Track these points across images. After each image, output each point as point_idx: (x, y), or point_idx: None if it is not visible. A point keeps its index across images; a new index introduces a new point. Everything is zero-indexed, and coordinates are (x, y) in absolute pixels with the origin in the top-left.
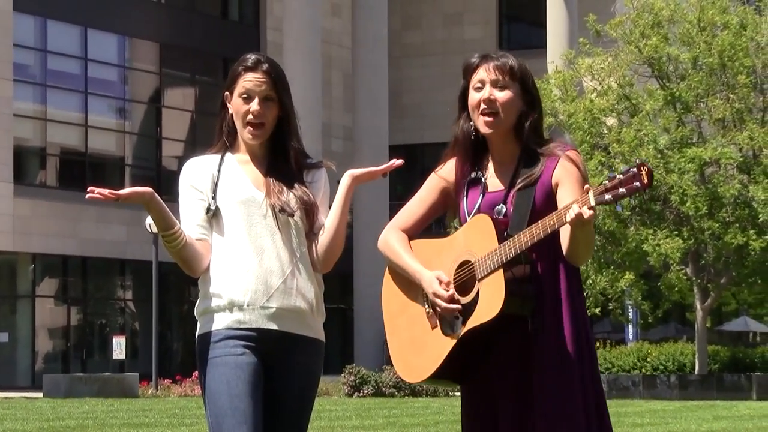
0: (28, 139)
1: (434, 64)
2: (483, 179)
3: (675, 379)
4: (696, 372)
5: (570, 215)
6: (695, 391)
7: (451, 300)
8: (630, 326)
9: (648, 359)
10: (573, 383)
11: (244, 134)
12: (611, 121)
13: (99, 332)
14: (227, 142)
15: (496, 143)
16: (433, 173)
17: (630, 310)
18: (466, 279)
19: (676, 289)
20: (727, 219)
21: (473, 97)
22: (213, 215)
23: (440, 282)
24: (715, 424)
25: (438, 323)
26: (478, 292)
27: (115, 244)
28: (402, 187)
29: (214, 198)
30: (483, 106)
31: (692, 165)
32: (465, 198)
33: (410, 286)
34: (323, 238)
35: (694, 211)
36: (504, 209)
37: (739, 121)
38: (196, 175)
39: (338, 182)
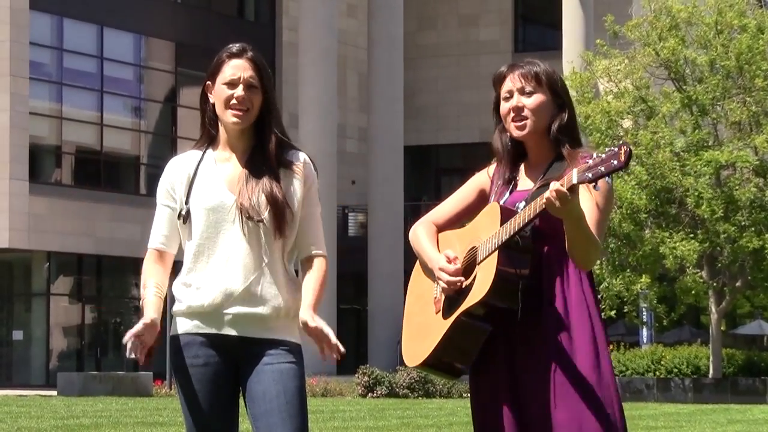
0: (43, 137)
1: (450, 65)
2: (515, 180)
3: (689, 382)
4: (710, 375)
5: (550, 193)
6: (710, 394)
7: (456, 274)
8: (644, 329)
9: (662, 362)
10: (584, 381)
11: (228, 117)
12: (627, 123)
13: (113, 331)
14: (209, 136)
15: (531, 146)
16: (481, 171)
17: (644, 313)
18: (470, 263)
19: (693, 292)
20: (743, 222)
21: (503, 106)
22: (185, 220)
23: (447, 258)
24: (730, 427)
25: (441, 307)
26: (476, 275)
27: (129, 243)
28: (416, 188)
29: (186, 202)
30: (512, 114)
31: (708, 168)
32: (494, 197)
33: (430, 275)
34: (308, 276)
35: (710, 214)
36: (523, 206)
37: (755, 125)
38: (174, 177)
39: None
